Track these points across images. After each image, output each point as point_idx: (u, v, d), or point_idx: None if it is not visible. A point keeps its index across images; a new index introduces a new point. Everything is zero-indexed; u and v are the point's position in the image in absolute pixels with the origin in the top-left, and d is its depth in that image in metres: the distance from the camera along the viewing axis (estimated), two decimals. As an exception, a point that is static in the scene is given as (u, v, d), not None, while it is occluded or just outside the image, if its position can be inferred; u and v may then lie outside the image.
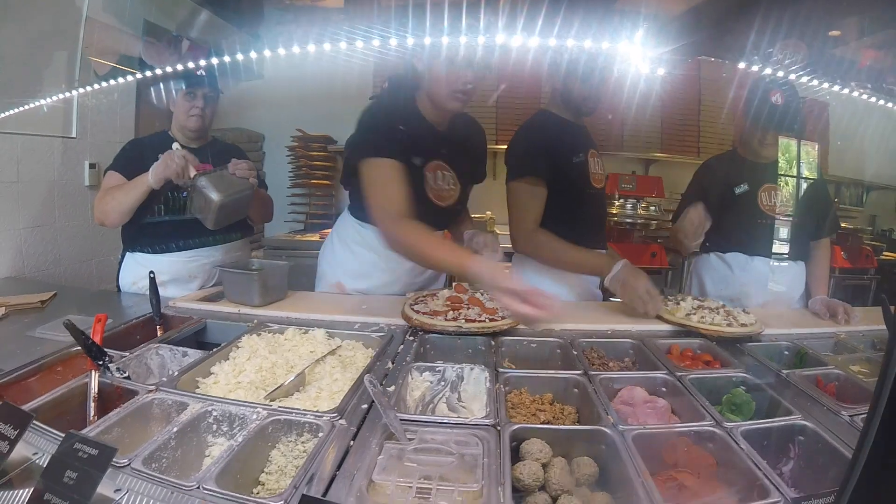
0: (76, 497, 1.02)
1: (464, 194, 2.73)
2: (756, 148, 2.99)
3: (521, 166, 2.76)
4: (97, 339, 1.71)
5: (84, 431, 1.28)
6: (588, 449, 1.42)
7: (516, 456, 1.35)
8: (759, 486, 1.22)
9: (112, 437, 1.37)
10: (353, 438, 1.36)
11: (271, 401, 1.55)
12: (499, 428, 1.43)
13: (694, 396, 1.68)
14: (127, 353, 1.86)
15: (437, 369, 1.85)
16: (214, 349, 1.92)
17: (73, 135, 4.01)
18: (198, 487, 1.13)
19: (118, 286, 3.00)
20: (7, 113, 3.41)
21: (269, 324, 2.22)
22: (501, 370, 1.83)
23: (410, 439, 1.34)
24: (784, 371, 1.90)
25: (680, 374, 1.84)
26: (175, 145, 2.74)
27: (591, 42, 2.40)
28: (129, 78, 3.76)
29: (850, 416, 1.57)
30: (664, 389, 1.81)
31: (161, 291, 2.35)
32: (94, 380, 1.63)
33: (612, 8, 3.93)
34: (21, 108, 3.48)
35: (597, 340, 2.21)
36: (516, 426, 1.44)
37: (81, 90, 3.88)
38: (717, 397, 1.76)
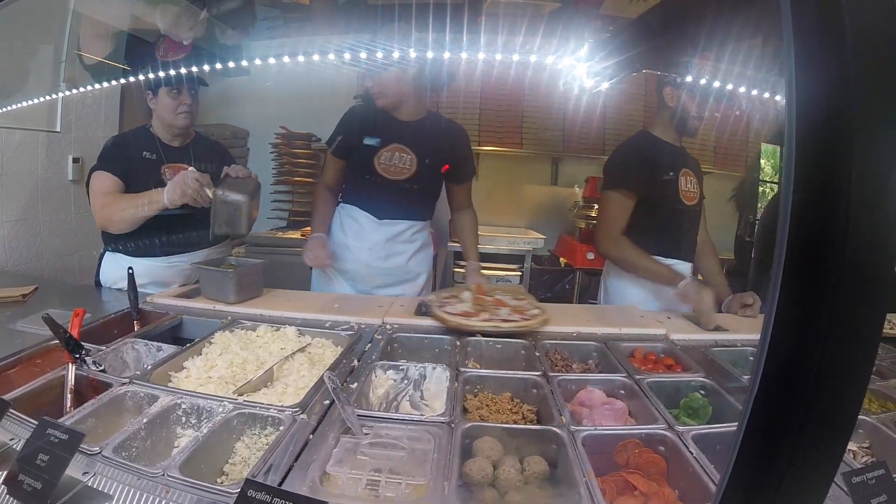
0: (47, 478, 1.10)
1: (423, 175, 3.01)
2: None
3: (614, 178, 3.00)
4: (74, 333, 1.78)
5: (60, 421, 1.35)
6: (540, 448, 1.48)
7: (470, 453, 1.41)
8: (705, 490, 1.26)
9: (86, 427, 1.43)
10: (313, 432, 1.43)
11: (239, 395, 1.63)
12: (452, 425, 1.50)
13: (650, 400, 1.73)
14: (104, 347, 1.92)
15: (401, 368, 1.92)
16: (188, 345, 1.99)
17: (58, 129, 4.04)
18: (162, 474, 1.20)
19: (97, 281, 3.02)
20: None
21: (243, 321, 2.28)
22: (462, 370, 1.90)
23: (366, 434, 1.42)
24: (746, 377, 1.93)
25: (639, 377, 1.89)
26: (191, 169, 2.70)
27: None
28: (116, 76, 3.77)
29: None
30: (622, 392, 1.86)
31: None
32: (71, 372, 1.70)
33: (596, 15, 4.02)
34: (13, 107, 3.52)
35: (561, 342, 2.26)
36: (469, 424, 1.51)
37: (71, 91, 3.90)
38: (676, 401, 1.81)
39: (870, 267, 0.48)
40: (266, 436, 1.49)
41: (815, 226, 0.48)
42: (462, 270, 5.32)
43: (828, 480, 0.60)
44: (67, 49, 3.91)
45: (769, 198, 3.45)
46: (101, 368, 1.75)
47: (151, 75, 2.86)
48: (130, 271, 2.39)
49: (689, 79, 2.74)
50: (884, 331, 2.42)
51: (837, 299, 0.48)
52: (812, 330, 0.50)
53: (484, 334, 2.25)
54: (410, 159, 2.96)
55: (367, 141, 2.95)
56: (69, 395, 1.67)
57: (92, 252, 3.56)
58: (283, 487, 1.17)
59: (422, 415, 1.62)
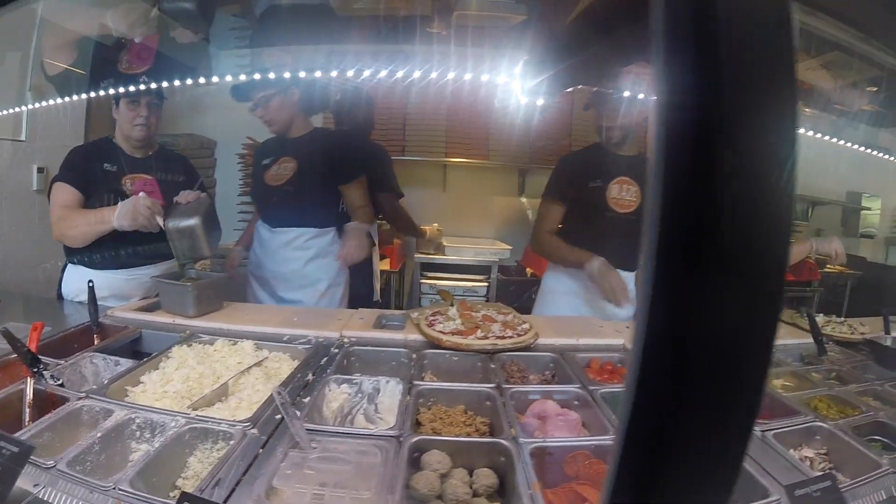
0: (-2, 490, 1.14)
1: (303, 179, 3.27)
2: None
3: (547, 186, 3.38)
4: (33, 347, 1.81)
5: (17, 435, 1.39)
6: (489, 461, 1.53)
7: (419, 467, 1.46)
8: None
9: (43, 441, 1.47)
10: (263, 447, 1.48)
11: (193, 410, 1.66)
12: (401, 439, 1.54)
13: (602, 410, 1.78)
14: (62, 361, 1.94)
15: (355, 381, 1.96)
16: (145, 359, 2.02)
17: (23, 138, 4.01)
18: (113, 488, 1.24)
19: (59, 294, 3.02)
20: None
21: (201, 335, 2.31)
22: (416, 383, 1.94)
23: (314, 448, 1.47)
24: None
25: (593, 388, 1.94)
26: (142, 195, 2.72)
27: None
28: (78, 88, 3.75)
29: (762, 431, 1.63)
30: (577, 403, 1.91)
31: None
32: (30, 386, 1.72)
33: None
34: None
35: (517, 354, 2.29)
36: (418, 437, 1.56)
37: (37, 104, 3.88)
38: (633, 412, 1.88)
39: (751, 258, 0.46)
40: (218, 450, 1.53)
41: (689, 217, 0.45)
42: (430, 282, 5.36)
43: (729, 476, 0.57)
44: (34, 57, 3.89)
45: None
46: (58, 382, 1.78)
47: (111, 89, 2.89)
48: (91, 284, 2.40)
49: (610, 93, 2.98)
50: (845, 336, 2.57)
51: (716, 293, 0.46)
52: (689, 326, 0.47)
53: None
54: (292, 166, 3.27)
55: (264, 161, 3.38)
56: (27, 409, 1.69)
57: (56, 263, 3.55)
58: (228, 502, 1.22)
59: (376, 428, 1.67)
